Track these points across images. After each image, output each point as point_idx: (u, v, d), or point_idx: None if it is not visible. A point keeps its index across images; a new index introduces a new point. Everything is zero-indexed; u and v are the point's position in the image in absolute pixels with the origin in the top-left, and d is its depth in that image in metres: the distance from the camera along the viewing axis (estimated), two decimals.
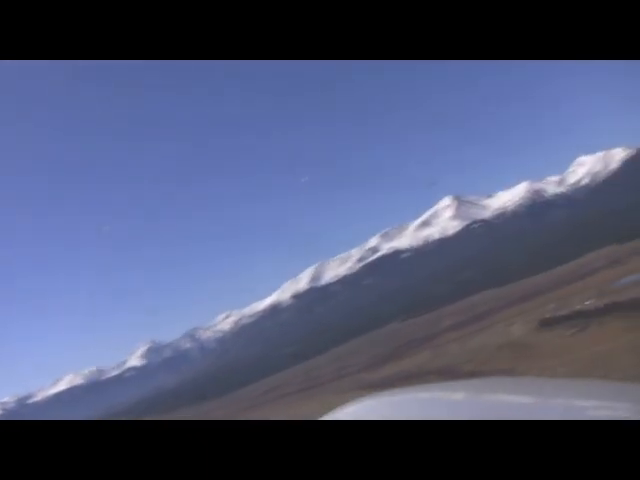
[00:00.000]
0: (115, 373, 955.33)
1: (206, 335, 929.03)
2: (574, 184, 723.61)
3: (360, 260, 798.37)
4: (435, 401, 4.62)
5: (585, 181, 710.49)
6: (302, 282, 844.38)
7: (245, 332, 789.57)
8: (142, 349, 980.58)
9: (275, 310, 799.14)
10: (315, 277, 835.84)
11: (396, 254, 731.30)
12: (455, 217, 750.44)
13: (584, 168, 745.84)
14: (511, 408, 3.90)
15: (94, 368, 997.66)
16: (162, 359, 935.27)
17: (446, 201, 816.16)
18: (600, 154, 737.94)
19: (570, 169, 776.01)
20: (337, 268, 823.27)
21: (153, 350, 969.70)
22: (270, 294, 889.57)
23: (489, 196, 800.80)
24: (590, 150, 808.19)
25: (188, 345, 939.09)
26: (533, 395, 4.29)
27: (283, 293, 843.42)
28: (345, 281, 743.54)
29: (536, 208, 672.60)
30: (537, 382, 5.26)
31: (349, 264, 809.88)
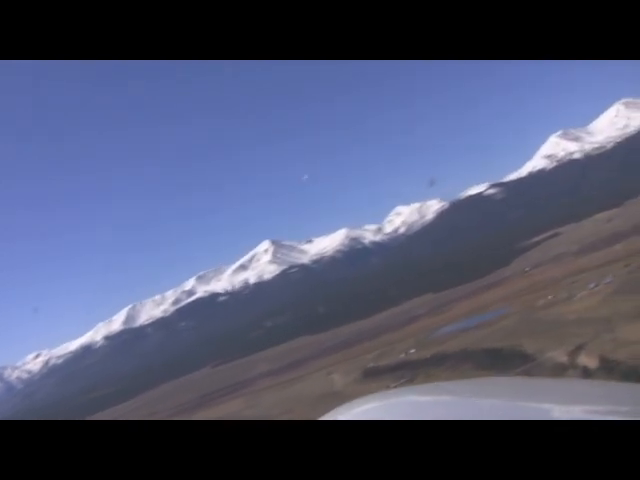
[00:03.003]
0: None
1: (14, 375, 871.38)
2: (391, 233, 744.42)
3: (175, 302, 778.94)
4: (435, 401, 4.61)
5: (402, 230, 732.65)
6: (116, 323, 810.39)
7: (55, 373, 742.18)
8: None
9: (87, 351, 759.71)
10: (129, 318, 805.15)
11: (212, 297, 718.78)
12: (273, 261, 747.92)
13: (401, 218, 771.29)
14: (511, 408, 3.90)
15: None
16: None
17: (264, 245, 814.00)
18: (416, 205, 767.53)
19: (388, 218, 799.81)
20: (152, 310, 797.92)
21: None
22: (82, 334, 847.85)
23: (308, 241, 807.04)
24: (407, 201, 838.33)
25: None
26: (533, 395, 4.27)
27: (96, 334, 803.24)
28: (160, 324, 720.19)
29: (354, 255, 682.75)
30: (537, 382, 5.29)
31: (164, 306, 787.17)
